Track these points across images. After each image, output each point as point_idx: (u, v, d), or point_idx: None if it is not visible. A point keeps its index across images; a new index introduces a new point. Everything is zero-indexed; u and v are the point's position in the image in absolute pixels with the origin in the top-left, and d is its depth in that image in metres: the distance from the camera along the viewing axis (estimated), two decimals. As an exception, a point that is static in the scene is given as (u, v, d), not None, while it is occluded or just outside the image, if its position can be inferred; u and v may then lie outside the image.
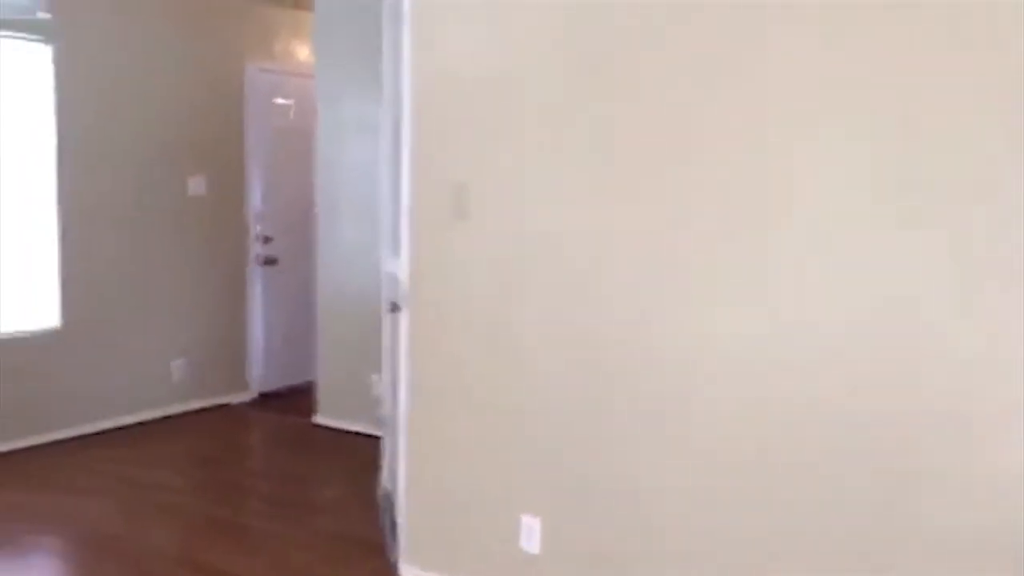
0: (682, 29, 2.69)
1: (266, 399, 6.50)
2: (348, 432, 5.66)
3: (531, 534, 3.13)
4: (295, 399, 6.31)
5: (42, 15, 4.10)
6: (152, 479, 4.80)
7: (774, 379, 2.61)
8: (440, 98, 3.24)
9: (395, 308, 3.52)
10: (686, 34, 2.69)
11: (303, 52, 6.70)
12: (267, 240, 6.52)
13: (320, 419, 5.88)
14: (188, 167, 6.02)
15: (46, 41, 5.18)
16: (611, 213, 2.88)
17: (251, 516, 4.32)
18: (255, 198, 6.46)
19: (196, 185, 6.08)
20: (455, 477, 3.34)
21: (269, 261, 6.53)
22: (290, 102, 6.62)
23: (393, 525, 3.74)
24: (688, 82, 2.70)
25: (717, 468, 2.74)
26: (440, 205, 3.26)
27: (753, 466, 2.67)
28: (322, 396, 5.89)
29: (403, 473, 3.53)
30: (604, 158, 2.88)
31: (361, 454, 5.18)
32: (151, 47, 5.73)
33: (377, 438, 5.02)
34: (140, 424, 5.73)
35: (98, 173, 5.51)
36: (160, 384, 5.92)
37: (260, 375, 6.55)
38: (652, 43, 2.75)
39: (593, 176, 2.91)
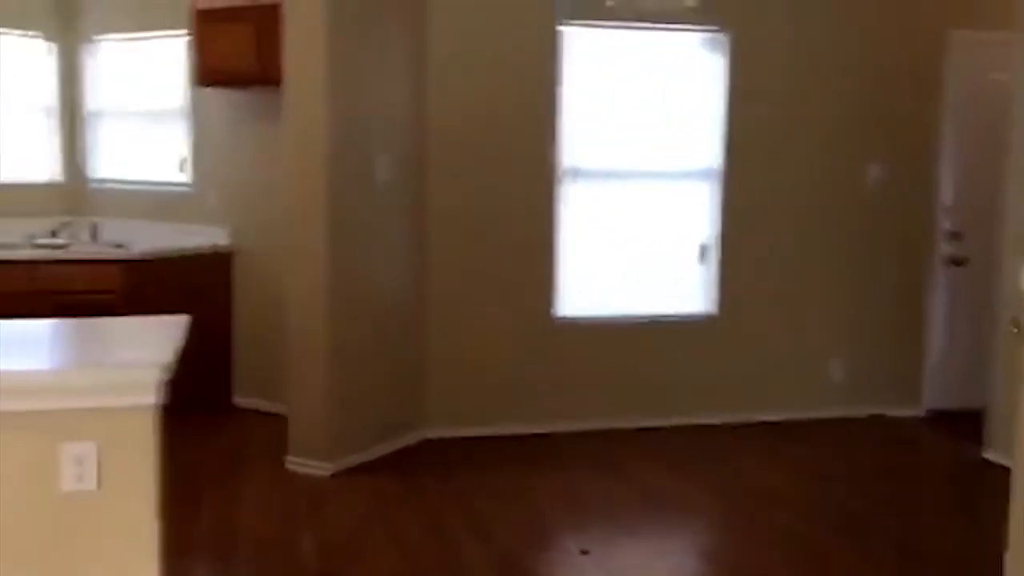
0: None
1: (937, 418, 5.66)
2: None
3: None
4: (972, 424, 5.36)
5: (689, 3, 4.11)
6: (774, 485, 4.53)
7: None
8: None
9: (1017, 325, 2.66)
10: None
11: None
12: (955, 237, 5.66)
13: (991, 455, 4.89)
14: (867, 152, 5.52)
15: (721, 30, 5.24)
16: None
17: (860, 560, 3.74)
18: (946, 188, 5.65)
19: (876, 172, 5.54)
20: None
21: (956, 261, 5.65)
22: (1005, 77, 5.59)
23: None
24: None
25: None
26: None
27: None
28: (993, 426, 4.89)
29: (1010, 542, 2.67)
30: None
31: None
32: (834, 22, 5.38)
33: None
34: (785, 423, 5.48)
35: (770, 159, 5.39)
36: (814, 384, 5.59)
37: (933, 389, 5.74)
38: None
39: None
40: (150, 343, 2.44)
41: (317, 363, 4.49)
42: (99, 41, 6.10)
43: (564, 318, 5.27)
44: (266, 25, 4.80)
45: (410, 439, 4.99)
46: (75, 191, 6.23)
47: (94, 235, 5.79)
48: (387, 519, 3.97)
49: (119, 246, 5.44)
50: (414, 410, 5.04)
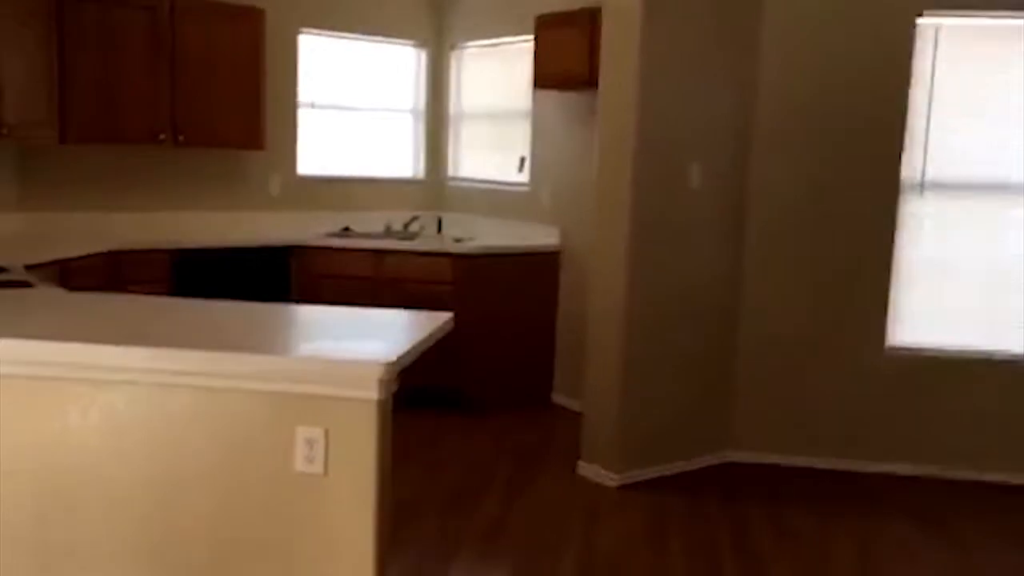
0: None
1: None
2: None
3: None
4: None
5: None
6: None
7: None
8: None
9: None
10: None
11: None
12: None
13: None
14: None
15: None
16: None
17: None
18: None
19: None
20: None
21: None
22: None
23: None
24: None
25: None
26: None
27: None
28: None
29: None
30: None
31: None
32: None
33: None
34: None
35: None
36: None
37: None
38: None
39: None
40: (391, 338, 2.53)
41: (611, 370, 4.40)
42: (463, 48, 6.53)
43: (900, 347, 4.67)
44: (596, 27, 4.79)
45: (711, 460, 4.73)
46: (434, 188, 6.74)
47: (439, 229, 6.22)
48: (658, 540, 3.78)
49: (458, 240, 5.78)
50: (718, 430, 4.77)
